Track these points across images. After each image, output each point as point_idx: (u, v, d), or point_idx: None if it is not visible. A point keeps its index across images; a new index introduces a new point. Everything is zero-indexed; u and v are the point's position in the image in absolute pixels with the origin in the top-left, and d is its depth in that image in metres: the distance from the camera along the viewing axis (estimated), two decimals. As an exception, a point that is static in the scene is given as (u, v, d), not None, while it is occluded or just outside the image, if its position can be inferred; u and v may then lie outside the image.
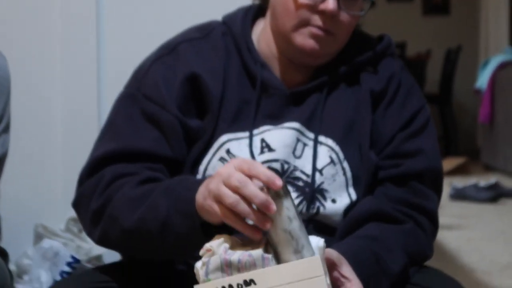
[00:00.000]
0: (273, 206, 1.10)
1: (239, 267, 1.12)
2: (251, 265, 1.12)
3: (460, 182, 4.45)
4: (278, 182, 1.09)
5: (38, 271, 2.05)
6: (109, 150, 1.37)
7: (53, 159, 2.27)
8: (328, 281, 1.11)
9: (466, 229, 3.41)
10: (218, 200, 1.14)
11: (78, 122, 2.24)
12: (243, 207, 1.11)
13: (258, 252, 1.12)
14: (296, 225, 1.11)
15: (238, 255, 1.12)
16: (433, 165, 1.43)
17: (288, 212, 1.11)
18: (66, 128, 2.27)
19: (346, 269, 1.20)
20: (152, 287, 1.39)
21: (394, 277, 1.32)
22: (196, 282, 1.14)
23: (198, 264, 1.15)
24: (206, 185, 1.18)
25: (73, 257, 2.05)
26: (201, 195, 1.18)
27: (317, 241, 1.14)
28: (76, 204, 1.38)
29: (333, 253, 1.19)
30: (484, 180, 4.39)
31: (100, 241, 1.35)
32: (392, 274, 1.31)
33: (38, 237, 2.16)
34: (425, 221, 1.41)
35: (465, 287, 1.40)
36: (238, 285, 1.11)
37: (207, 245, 1.15)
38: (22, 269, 2.14)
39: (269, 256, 1.12)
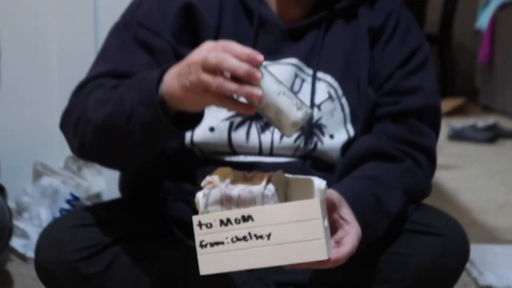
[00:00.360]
0: (258, 73, 1.08)
1: (239, 202, 1.13)
2: (250, 202, 1.12)
3: (458, 122, 4.45)
4: (259, 57, 1.07)
5: (38, 209, 2.06)
6: (98, 72, 1.36)
7: (51, 97, 2.26)
8: (326, 224, 1.12)
9: (463, 169, 3.42)
10: (204, 89, 1.11)
11: (74, 59, 2.23)
12: (229, 85, 1.08)
13: (258, 189, 1.13)
14: (285, 86, 1.10)
15: (238, 190, 1.13)
16: (432, 102, 1.43)
17: (274, 77, 1.10)
18: (62, 65, 2.26)
19: (346, 211, 1.20)
20: (150, 224, 1.40)
21: (393, 217, 1.33)
22: (196, 213, 1.15)
23: (199, 195, 1.15)
24: (173, 72, 1.15)
25: (72, 195, 2.06)
26: (168, 82, 1.15)
27: (319, 183, 1.14)
28: (61, 123, 1.37)
29: (334, 194, 1.20)
30: (482, 121, 4.39)
31: (79, 152, 1.34)
32: (391, 215, 1.32)
33: (37, 175, 2.17)
34: (423, 159, 1.41)
35: (462, 225, 1.42)
36: (236, 219, 1.11)
37: (209, 178, 1.15)
38: (21, 206, 2.15)
39: (269, 194, 1.12)
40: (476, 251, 1.89)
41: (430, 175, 1.44)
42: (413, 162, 1.40)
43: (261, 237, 1.10)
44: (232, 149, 1.39)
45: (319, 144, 1.40)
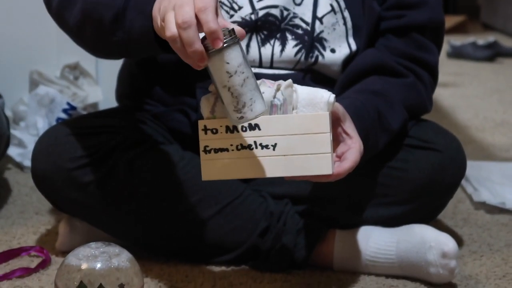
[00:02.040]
0: (202, 63, 1.01)
1: None
2: None
3: (458, 40, 4.41)
4: (218, 44, 1.00)
5: (35, 118, 2.06)
6: None
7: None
8: (331, 137, 1.11)
9: (461, 87, 3.41)
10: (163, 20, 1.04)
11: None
12: (179, 46, 1.02)
13: (267, 98, 1.10)
14: (236, 81, 1.02)
15: None
16: (436, 17, 1.41)
17: (228, 67, 1.02)
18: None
19: (349, 125, 1.19)
20: (147, 133, 1.40)
21: (393, 133, 1.33)
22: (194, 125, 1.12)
23: (206, 98, 1.12)
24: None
25: (69, 104, 2.05)
26: (157, 5, 1.09)
27: (328, 96, 1.12)
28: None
29: (339, 107, 1.19)
30: (483, 39, 4.35)
31: (56, 17, 1.29)
32: (392, 131, 1.32)
33: (34, 84, 2.15)
34: (425, 74, 1.40)
35: (459, 141, 1.42)
36: (242, 127, 1.10)
37: None
38: (18, 115, 2.14)
39: (278, 104, 1.10)
40: (472, 167, 1.90)
41: (432, 90, 1.43)
42: (416, 78, 1.39)
43: (266, 146, 1.09)
44: None
45: (320, 58, 1.39)
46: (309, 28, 1.37)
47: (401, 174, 1.36)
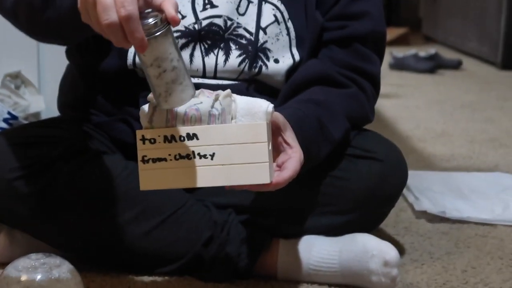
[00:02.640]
0: (144, 49, 1.00)
1: (184, 120, 1.11)
2: (196, 120, 1.11)
3: (400, 52, 4.48)
4: (142, 50, 1.00)
5: (-26, 127, 2.02)
6: None
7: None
8: (270, 147, 1.11)
9: (403, 98, 3.46)
10: (93, 6, 1.00)
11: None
12: (117, 34, 0.99)
13: (205, 107, 1.11)
14: (152, 73, 1.04)
15: (185, 107, 1.10)
16: (378, 28, 1.43)
17: (144, 59, 1.03)
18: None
19: (289, 135, 1.20)
20: (89, 143, 1.38)
21: (335, 143, 1.34)
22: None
23: (144, 108, 1.13)
24: None
25: (10, 113, 2.01)
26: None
27: (266, 106, 1.13)
28: None
29: (279, 117, 1.19)
30: (424, 51, 4.43)
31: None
32: (334, 141, 1.33)
33: (-27, 92, 2.11)
34: (367, 84, 1.42)
35: (400, 151, 1.44)
36: (180, 137, 1.10)
37: None
38: (-43, 124, 2.10)
39: (216, 113, 1.11)
40: (413, 177, 1.93)
41: (374, 101, 1.45)
42: (358, 88, 1.41)
43: (204, 156, 1.10)
44: None
45: (263, 68, 1.39)
46: (252, 38, 1.38)
47: (343, 184, 1.37)
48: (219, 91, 1.14)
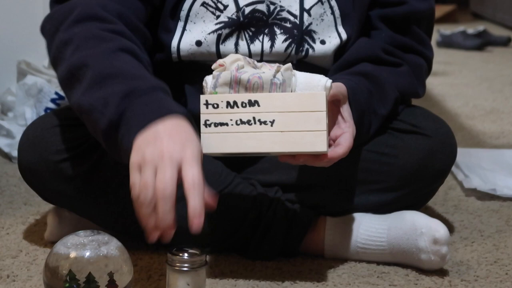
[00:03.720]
0: (169, 236, 1.04)
1: (247, 87, 1.14)
2: (259, 87, 1.14)
3: (448, 29, 4.42)
4: (197, 224, 1.02)
5: (23, 108, 2.04)
6: None
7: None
8: (326, 116, 1.13)
9: (451, 76, 3.41)
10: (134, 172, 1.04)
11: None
12: (145, 210, 1.03)
13: (267, 76, 1.14)
14: None
15: (248, 74, 1.14)
16: (433, 6, 1.41)
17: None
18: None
19: (346, 109, 1.21)
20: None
21: (384, 117, 1.33)
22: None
23: (208, 78, 1.17)
24: (146, 144, 1.03)
25: (57, 94, 2.03)
26: (137, 146, 1.05)
27: (325, 81, 1.16)
28: (43, 28, 1.29)
29: (342, 89, 1.20)
30: (472, 29, 4.36)
31: (52, 64, 1.26)
32: (383, 115, 1.32)
33: (21, 74, 2.14)
34: (421, 61, 1.40)
35: (449, 127, 1.42)
36: (242, 103, 1.13)
37: (221, 61, 1.16)
38: (6, 106, 2.13)
39: (278, 82, 1.14)
40: (462, 154, 1.90)
41: (426, 76, 1.44)
42: (409, 66, 1.39)
43: (264, 122, 1.12)
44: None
45: (310, 51, 1.38)
46: (297, 21, 1.36)
47: (391, 160, 1.35)
48: (280, 65, 1.16)
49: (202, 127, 1.13)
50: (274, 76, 1.14)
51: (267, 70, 1.16)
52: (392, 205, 1.36)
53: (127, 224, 1.35)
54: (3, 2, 2.22)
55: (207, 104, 1.13)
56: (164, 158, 1.01)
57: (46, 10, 1.33)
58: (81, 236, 1.10)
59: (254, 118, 1.12)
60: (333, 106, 1.20)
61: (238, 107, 1.13)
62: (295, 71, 1.16)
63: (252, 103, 1.12)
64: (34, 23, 2.15)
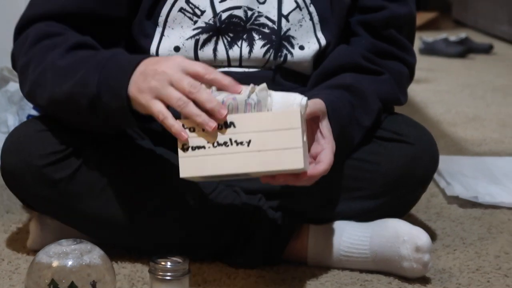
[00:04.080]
0: (224, 111, 1.11)
1: None
2: (233, 108, 1.14)
3: (430, 36, 4.44)
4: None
5: (5, 115, 2.03)
6: (40, 12, 1.32)
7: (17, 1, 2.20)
8: (305, 139, 1.13)
9: (433, 82, 3.43)
10: (161, 99, 1.14)
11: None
12: (191, 108, 1.12)
13: (242, 97, 1.15)
14: None
15: (223, 96, 1.14)
16: (413, 12, 1.42)
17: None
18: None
19: (325, 125, 1.21)
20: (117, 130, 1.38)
21: (368, 128, 1.33)
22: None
23: None
24: (144, 79, 1.15)
25: (39, 101, 2.02)
26: (137, 88, 1.16)
27: (300, 99, 1.15)
28: (12, 61, 1.36)
29: (319, 106, 1.20)
30: (454, 36, 4.38)
31: (28, 99, 1.34)
32: (366, 126, 1.33)
33: (4, 81, 2.13)
34: (402, 67, 1.41)
35: (431, 134, 1.42)
36: (218, 125, 1.13)
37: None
38: (-12, 113, 2.11)
39: (252, 103, 1.14)
40: (444, 162, 1.91)
41: (408, 84, 1.44)
42: (390, 73, 1.39)
43: (241, 143, 1.13)
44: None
45: (289, 57, 1.38)
46: (275, 27, 1.37)
47: (374, 168, 1.36)
48: (255, 86, 1.16)
49: (180, 152, 1.14)
50: (249, 97, 1.14)
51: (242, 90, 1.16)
52: (375, 213, 1.37)
53: (108, 231, 1.35)
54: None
55: (183, 128, 1.14)
56: (167, 71, 1.14)
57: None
58: (63, 245, 1.10)
59: (230, 139, 1.13)
60: (312, 123, 1.20)
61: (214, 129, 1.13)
62: (270, 91, 1.16)
63: (228, 125, 1.13)
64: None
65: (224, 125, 1.13)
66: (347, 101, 1.29)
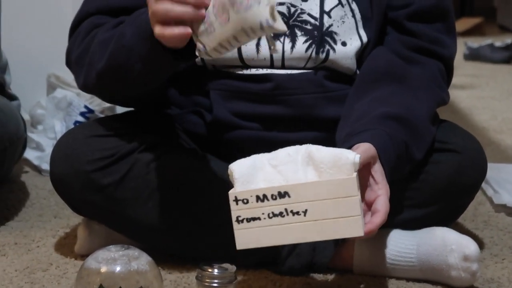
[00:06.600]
0: (203, 13, 1.08)
1: None
2: None
3: (475, 42, 4.39)
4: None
5: (52, 121, 2.06)
6: (89, 10, 1.35)
7: (64, 8, 2.23)
8: (360, 200, 1.10)
9: (479, 89, 3.39)
10: (156, 18, 1.11)
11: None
12: (177, 9, 1.09)
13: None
14: None
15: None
16: (442, 2, 1.40)
17: None
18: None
19: (378, 169, 1.18)
20: (164, 136, 1.39)
21: (419, 160, 1.31)
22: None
23: (233, 166, 1.14)
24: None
25: (86, 107, 2.05)
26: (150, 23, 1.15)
27: (353, 157, 1.12)
28: (66, 57, 1.38)
29: (370, 152, 1.17)
30: (500, 41, 4.33)
31: (83, 88, 1.35)
32: (417, 160, 1.30)
33: (51, 87, 2.16)
34: (439, 65, 1.40)
35: (479, 141, 1.41)
36: (272, 195, 1.11)
37: None
38: (36, 119, 2.15)
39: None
40: (491, 170, 1.87)
41: (447, 80, 1.43)
42: (428, 73, 1.38)
43: (297, 213, 1.10)
44: (243, 62, 1.37)
45: (331, 53, 1.38)
46: (317, 23, 1.37)
47: (422, 177, 1.35)
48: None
49: (235, 224, 1.12)
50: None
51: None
52: (422, 221, 1.35)
53: (158, 237, 1.36)
54: (33, 16, 2.24)
55: (236, 200, 1.12)
56: None
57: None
58: (112, 251, 1.11)
59: (286, 209, 1.10)
60: (363, 169, 1.16)
61: (268, 200, 1.11)
62: (318, 146, 1.13)
63: (282, 195, 1.10)
64: (64, 37, 2.17)
65: (278, 195, 1.10)
66: (400, 140, 1.25)
